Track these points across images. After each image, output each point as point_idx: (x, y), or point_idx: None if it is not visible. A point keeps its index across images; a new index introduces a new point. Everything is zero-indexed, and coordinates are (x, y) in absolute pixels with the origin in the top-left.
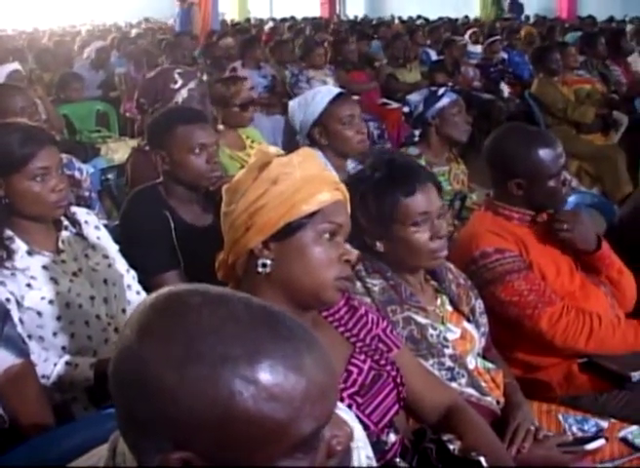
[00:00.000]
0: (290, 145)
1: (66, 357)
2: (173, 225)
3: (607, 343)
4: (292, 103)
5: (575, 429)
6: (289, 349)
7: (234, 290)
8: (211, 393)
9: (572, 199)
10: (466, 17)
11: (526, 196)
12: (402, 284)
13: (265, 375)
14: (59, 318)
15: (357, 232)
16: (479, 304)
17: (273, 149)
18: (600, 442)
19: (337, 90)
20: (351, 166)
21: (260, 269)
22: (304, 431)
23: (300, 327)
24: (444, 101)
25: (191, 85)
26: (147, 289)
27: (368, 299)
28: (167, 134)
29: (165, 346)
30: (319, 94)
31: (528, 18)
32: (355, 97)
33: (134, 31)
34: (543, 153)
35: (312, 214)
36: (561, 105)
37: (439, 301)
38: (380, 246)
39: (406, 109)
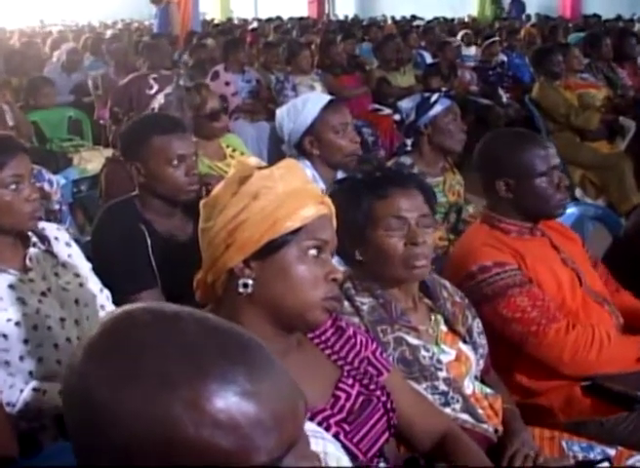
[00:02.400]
0: (276, 154)
1: (34, 383)
2: (149, 241)
3: (618, 358)
4: (280, 111)
5: (580, 457)
6: (240, 373)
7: (213, 311)
8: (149, 416)
9: (575, 211)
10: (467, 18)
11: (516, 198)
12: (392, 302)
13: (209, 400)
14: (26, 341)
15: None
16: (477, 324)
17: (253, 161)
18: (604, 465)
19: (327, 97)
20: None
21: (240, 289)
22: (255, 463)
23: (261, 350)
24: (437, 109)
25: (168, 90)
26: None
27: (356, 319)
28: (142, 144)
29: (105, 364)
30: (310, 101)
31: (529, 17)
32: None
33: (109, 32)
34: (530, 150)
35: (296, 231)
36: (564, 111)
37: (433, 320)
38: (358, 254)
39: (397, 117)
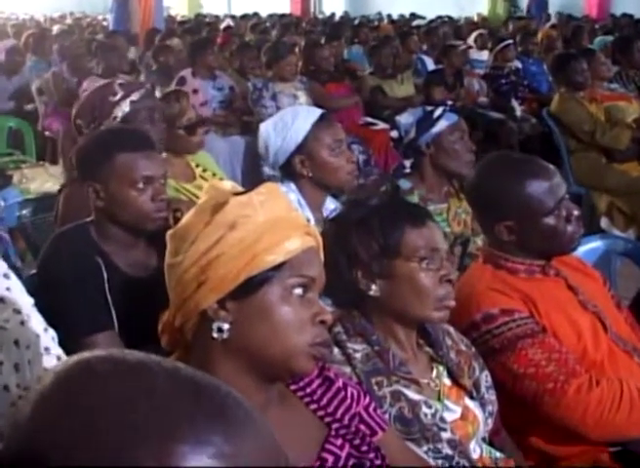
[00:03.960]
0: (252, 174)
1: None
2: (106, 276)
3: None
4: (265, 127)
5: None
6: (217, 432)
7: (181, 359)
8: None
9: (600, 245)
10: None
11: (520, 242)
12: (390, 350)
13: (178, 464)
14: None
15: (337, 279)
16: (485, 377)
17: (229, 185)
18: None
19: (318, 110)
20: (330, 204)
21: (215, 334)
22: None
23: (240, 405)
24: (441, 125)
25: (135, 96)
26: (72, 353)
27: (347, 369)
28: (102, 162)
29: (59, 423)
30: (299, 115)
31: (548, 17)
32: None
33: (55, 28)
34: (532, 185)
35: (279, 266)
36: (588, 127)
37: (435, 372)
38: (375, 289)
39: (394, 134)
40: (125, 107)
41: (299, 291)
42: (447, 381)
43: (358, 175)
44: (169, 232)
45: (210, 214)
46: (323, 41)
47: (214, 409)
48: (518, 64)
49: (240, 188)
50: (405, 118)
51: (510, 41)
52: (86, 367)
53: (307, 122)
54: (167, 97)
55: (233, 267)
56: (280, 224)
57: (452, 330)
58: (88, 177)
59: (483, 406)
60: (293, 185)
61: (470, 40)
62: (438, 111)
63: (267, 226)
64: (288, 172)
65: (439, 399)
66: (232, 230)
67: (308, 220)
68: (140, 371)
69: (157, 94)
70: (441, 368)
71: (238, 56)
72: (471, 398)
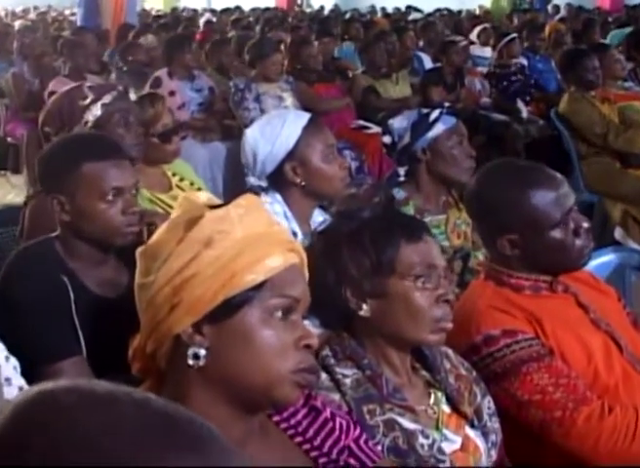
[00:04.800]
0: (234, 183)
1: None
2: (73, 296)
3: None
4: (251, 132)
5: None
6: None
7: (154, 388)
8: None
9: (613, 258)
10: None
11: (525, 256)
12: (383, 375)
13: None
14: None
15: (325, 298)
16: (487, 403)
17: (204, 197)
18: None
19: (306, 114)
20: (319, 216)
21: (190, 361)
22: None
23: (216, 440)
24: (438, 129)
25: (106, 99)
26: (35, 383)
27: (336, 396)
28: (68, 172)
29: (14, 459)
30: (288, 119)
31: (557, 9)
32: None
33: (17, 23)
34: (536, 196)
35: (259, 286)
36: (600, 129)
37: (432, 399)
38: (366, 309)
39: (387, 139)
40: (96, 111)
41: (280, 312)
42: (446, 408)
43: (351, 183)
44: (139, 250)
45: (183, 229)
46: (313, 38)
47: (187, 444)
48: (524, 61)
49: (217, 200)
50: (398, 122)
51: (515, 35)
52: (49, 398)
53: (298, 126)
54: (140, 101)
55: (209, 288)
56: (260, 240)
57: (450, 352)
58: (52, 189)
59: (485, 435)
60: (278, 196)
61: (473, 35)
62: (434, 114)
63: (246, 242)
64: (276, 181)
65: (437, 428)
66: (208, 247)
67: (295, 234)
68: (108, 404)
69: (131, 96)
70: (439, 393)
71: (217, 53)
72: (472, 426)
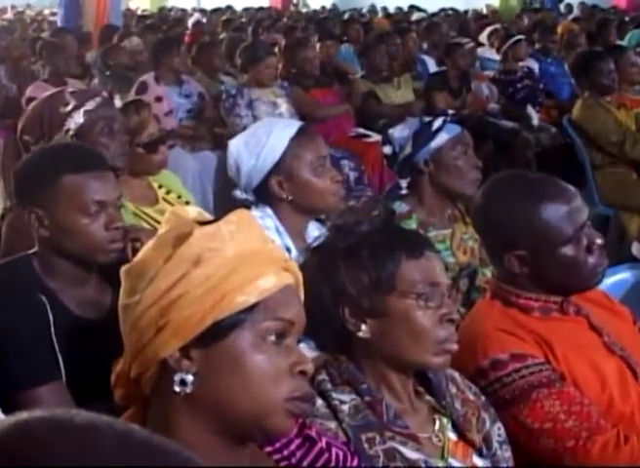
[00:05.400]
0: (225, 195)
1: None
2: (52, 316)
3: None
4: (235, 144)
5: None
6: None
7: (137, 416)
8: None
9: (628, 276)
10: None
11: (534, 275)
12: (383, 400)
13: None
14: None
15: (321, 318)
16: (497, 430)
17: (193, 212)
18: None
19: (297, 123)
20: (314, 230)
21: (176, 388)
22: None
23: None
24: (441, 139)
25: (89, 105)
26: (11, 411)
27: (333, 424)
28: (47, 185)
29: None
30: (274, 129)
31: (570, 8)
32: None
33: None
34: (549, 209)
35: (251, 308)
36: (616, 137)
37: (437, 425)
38: (365, 330)
39: (387, 150)
40: (78, 119)
41: (273, 336)
42: (452, 436)
43: (349, 195)
44: (123, 268)
45: (171, 246)
46: (315, 40)
47: None
48: (532, 64)
49: (207, 215)
50: (399, 131)
51: (521, 36)
52: (23, 430)
53: (284, 137)
54: (124, 108)
55: (198, 309)
56: (253, 259)
57: (457, 375)
58: (29, 203)
59: (495, 464)
60: (269, 210)
61: (483, 37)
62: (438, 122)
63: (238, 261)
64: (263, 195)
65: (442, 457)
66: (197, 266)
67: (289, 249)
68: (87, 436)
69: (116, 102)
70: (444, 420)
71: (206, 56)
72: (481, 455)
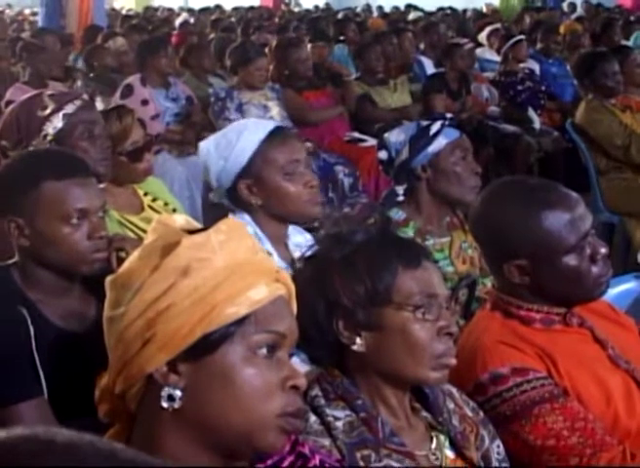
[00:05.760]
0: (214, 204)
1: None
2: (32, 329)
3: None
4: (205, 145)
5: None
6: None
7: (122, 433)
8: None
9: (634, 286)
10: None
11: (535, 285)
12: (379, 416)
13: None
14: None
15: (315, 331)
16: (496, 448)
17: (181, 220)
18: None
19: (270, 123)
20: (296, 234)
21: (164, 403)
22: None
23: None
24: (439, 144)
25: (69, 109)
26: None
27: (326, 441)
28: (26, 193)
29: None
30: (246, 130)
31: (573, 7)
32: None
33: None
34: (551, 217)
35: (241, 320)
36: (621, 141)
37: (434, 443)
38: (360, 343)
39: (383, 155)
40: (57, 123)
41: (265, 350)
42: (449, 453)
43: (343, 202)
44: (108, 279)
45: (158, 256)
46: (307, 41)
47: None
48: (533, 65)
49: (195, 224)
50: (395, 136)
51: (522, 37)
52: (3, 449)
53: (255, 138)
54: (106, 115)
55: (186, 321)
56: (243, 269)
57: (454, 391)
58: (8, 211)
59: None
60: (247, 216)
61: (482, 37)
62: (435, 127)
63: (228, 272)
64: (235, 199)
65: None
66: (185, 277)
67: (270, 254)
68: (68, 456)
69: (99, 105)
70: (442, 437)
71: (195, 57)
72: None
